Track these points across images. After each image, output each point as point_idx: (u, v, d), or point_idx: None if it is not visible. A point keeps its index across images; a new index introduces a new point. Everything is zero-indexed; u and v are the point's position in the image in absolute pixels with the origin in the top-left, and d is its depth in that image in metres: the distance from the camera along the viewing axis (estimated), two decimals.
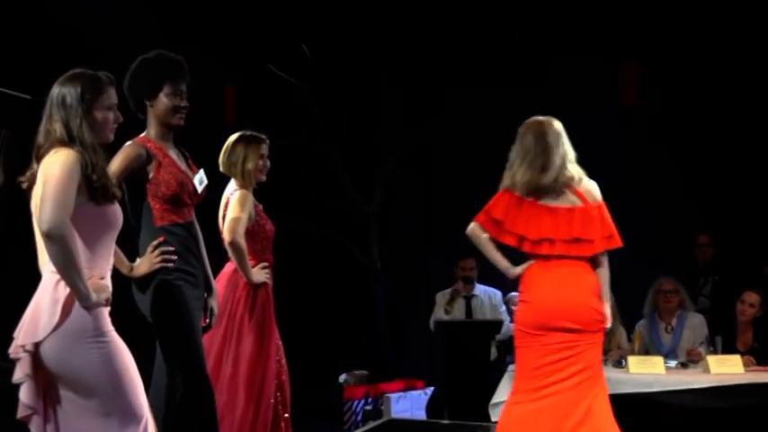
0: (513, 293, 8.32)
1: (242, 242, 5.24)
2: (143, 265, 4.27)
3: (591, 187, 4.88)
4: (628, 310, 7.29)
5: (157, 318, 4.27)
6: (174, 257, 4.29)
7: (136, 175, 4.28)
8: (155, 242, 4.29)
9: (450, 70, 8.99)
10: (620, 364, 6.26)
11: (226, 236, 5.26)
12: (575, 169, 4.83)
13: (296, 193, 9.05)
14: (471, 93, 8.94)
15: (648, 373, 5.93)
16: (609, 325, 4.86)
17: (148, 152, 4.32)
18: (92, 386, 3.39)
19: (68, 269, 3.32)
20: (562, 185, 4.79)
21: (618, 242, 4.86)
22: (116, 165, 4.18)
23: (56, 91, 3.54)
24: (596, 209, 4.84)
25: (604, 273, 4.86)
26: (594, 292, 4.79)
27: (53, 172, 3.36)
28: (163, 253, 4.27)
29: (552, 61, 8.71)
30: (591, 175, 4.93)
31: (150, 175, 4.30)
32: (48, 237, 3.28)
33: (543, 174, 4.76)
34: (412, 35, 9.01)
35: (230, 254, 5.31)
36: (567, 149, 4.84)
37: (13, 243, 4.98)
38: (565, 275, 4.77)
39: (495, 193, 4.88)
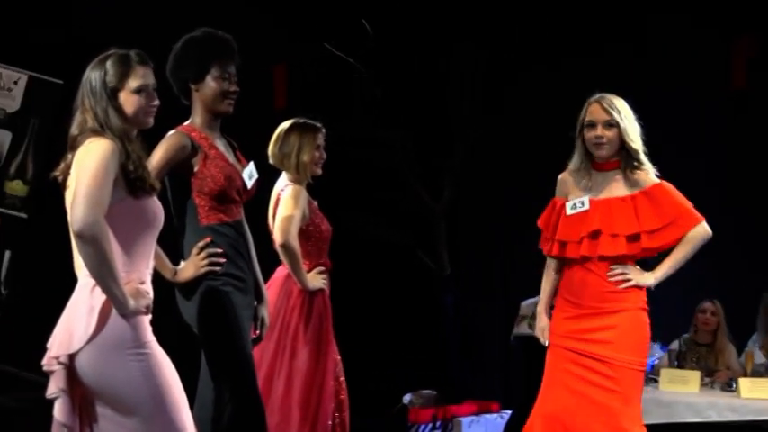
0: None
1: (295, 244, 5.29)
2: (188, 268, 4.34)
3: None
4: (736, 321, 7.28)
5: (203, 328, 4.34)
6: (222, 260, 4.35)
7: (179, 168, 4.35)
8: (201, 243, 4.35)
9: (534, 41, 8.96)
10: (729, 387, 6.26)
11: (277, 237, 5.32)
12: None
13: (354, 189, 9.10)
14: (557, 69, 8.91)
15: (764, 398, 5.91)
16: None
17: (193, 143, 4.37)
18: (131, 403, 3.47)
19: (103, 273, 3.40)
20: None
21: None
22: (157, 157, 4.24)
23: (85, 77, 3.64)
24: None
25: None
26: None
27: (87, 165, 3.44)
28: (210, 255, 4.34)
29: (653, 33, 8.69)
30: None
31: (195, 169, 4.36)
32: (79, 237, 3.36)
33: None
34: (488, 3, 9.03)
35: (282, 257, 5.37)
36: None
37: (45, 242, 5.12)
38: None
39: (665, 184, 4.98)
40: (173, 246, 4.38)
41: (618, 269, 4.87)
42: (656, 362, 6.88)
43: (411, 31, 9.04)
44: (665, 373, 6.48)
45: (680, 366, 7.03)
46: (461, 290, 9.43)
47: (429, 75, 9.19)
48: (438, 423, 8.23)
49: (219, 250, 4.36)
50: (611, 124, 4.88)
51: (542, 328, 5.01)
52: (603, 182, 4.96)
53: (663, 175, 5.01)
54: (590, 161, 4.97)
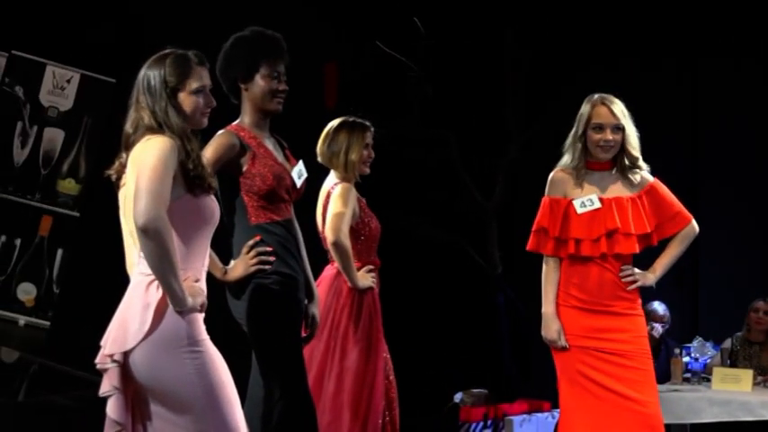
0: (653, 304, 8.25)
1: (347, 242, 5.31)
2: (238, 267, 4.38)
3: None
4: None
5: (254, 326, 4.38)
6: (272, 258, 4.39)
7: (228, 167, 4.39)
8: (250, 242, 4.39)
9: (587, 40, 8.92)
10: None
11: (329, 235, 5.34)
12: None
13: (406, 187, 9.12)
14: (612, 69, 8.87)
15: None
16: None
17: (242, 142, 4.42)
18: (185, 401, 3.50)
19: (164, 269, 3.42)
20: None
21: None
22: (207, 156, 4.25)
23: (141, 75, 3.66)
24: None
25: None
26: None
27: (147, 161, 3.46)
28: (259, 254, 4.38)
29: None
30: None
31: (244, 168, 4.41)
32: (144, 232, 3.37)
33: None
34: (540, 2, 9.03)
35: (333, 255, 5.38)
36: None
37: (97, 241, 5.16)
38: None
39: (659, 182, 5.11)
40: (223, 245, 4.42)
41: (628, 269, 4.96)
42: (709, 361, 6.86)
43: (463, 28, 9.04)
44: (718, 372, 6.46)
45: (732, 365, 7.00)
46: (513, 288, 9.42)
47: (481, 72, 9.18)
48: (489, 422, 8.23)
49: (269, 249, 4.40)
50: (619, 128, 4.95)
51: (558, 331, 4.98)
52: (603, 180, 5.04)
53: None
54: (585, 160, 5.02)
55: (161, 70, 3.62)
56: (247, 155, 4.43)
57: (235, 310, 4.45)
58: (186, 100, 3.65)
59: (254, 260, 4.37)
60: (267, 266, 4.38)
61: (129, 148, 3.60)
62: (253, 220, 4.44)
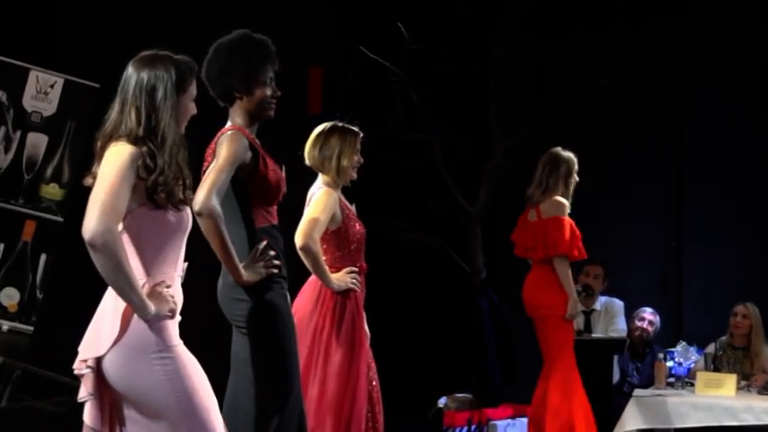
0: (644, 308, 8.25)
1: (316, 248, 5.25)
2: (251, 272, 4.30)
3: (550, 206, 7.07)
4: None
5: (255, 331, 4.34)
6: (278, 262, 4.37)
7: (239, 169, 4.32)
8: (260, 246, 4.34)
9: (576, 37, 8.93)
10: (766, 390, 6.22)
11: (297, 240, 5.26)
12: (548, 195, 7.10)
13: (388, 192, 9.10)
14: (597, 71, 8.87)
15: None
16: (567, 314, 6.93)
17: (251, 144, 4.39)
18: (158, 407, 3.45)
19: (118, 281, 3.34)
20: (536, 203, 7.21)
21: (558, 250, 6.95)
22: (223, 156, 4.22)
23: (142, 75, 3.47)
24: (545, 222, 7.02)
25: (560, 272, 7.00)
26: (544, 287, 7.08)
27: (105, 170, 3.38)
28: (270, 258, 4.34)
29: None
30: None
31: (251, 171, 4.36)
32: (90, 246, 3.30)
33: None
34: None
35: (304, 260, 5.31)
36: (552, 179, 7.12)
37: (81, 246, 5.14)
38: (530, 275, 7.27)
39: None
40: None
41: None
42: (693, 365, 6.86)
43: (447, 33, 9.04)
44: (702, 377, 6.47)
45: (716, 370, 7.01)
46: (497, 293, 9.42)
47: (465, 76, 9.17)
48: (473, 427, 8.23)
49: (273, 253, 4.37)
50: None
51: None
52: None
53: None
54: None
55: (170, 72, 3.49)
56: (255, 158, 4.38)
57: (233, 312, 4.40)
58: (187, 107, 3.57)
59: (266, 264, 4.32)
60: (275, 270, 4.35)
61: (102, 151, 3.48)
62: (257, 224, 4.40)
